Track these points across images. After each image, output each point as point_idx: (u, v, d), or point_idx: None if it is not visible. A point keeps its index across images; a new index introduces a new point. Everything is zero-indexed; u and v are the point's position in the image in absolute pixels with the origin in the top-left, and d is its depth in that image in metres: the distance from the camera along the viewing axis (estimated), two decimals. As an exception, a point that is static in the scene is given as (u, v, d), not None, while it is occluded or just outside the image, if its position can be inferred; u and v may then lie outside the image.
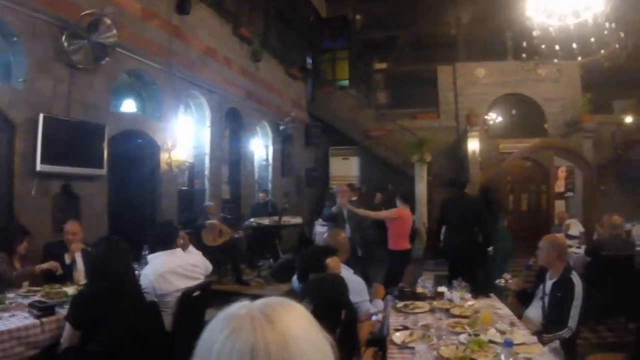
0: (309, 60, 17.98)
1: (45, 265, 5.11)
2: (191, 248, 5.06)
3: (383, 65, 20.04)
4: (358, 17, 18.70)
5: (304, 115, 16.21)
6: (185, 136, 9.49)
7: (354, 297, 3.89)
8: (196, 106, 10.40)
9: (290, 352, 0.97)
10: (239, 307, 1.05)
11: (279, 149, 14.25)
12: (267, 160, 13.91)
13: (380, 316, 3.83)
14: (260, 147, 13.66)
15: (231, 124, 11.77)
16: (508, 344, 2.59)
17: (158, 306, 4.05)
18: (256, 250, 10.86)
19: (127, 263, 3.82)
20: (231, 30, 11.39)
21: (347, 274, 4.21)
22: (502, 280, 5.00)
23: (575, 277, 4.16)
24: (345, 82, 19.35)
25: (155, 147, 8.74)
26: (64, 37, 6.54)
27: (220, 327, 1.02)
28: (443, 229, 8.14)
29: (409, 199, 8.37)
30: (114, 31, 7.04)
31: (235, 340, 0.97)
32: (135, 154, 8.53)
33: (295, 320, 1.04)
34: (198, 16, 9.90)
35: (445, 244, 8.04)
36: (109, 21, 6.95)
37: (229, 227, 9.42)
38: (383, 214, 8.11)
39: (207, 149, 10.51)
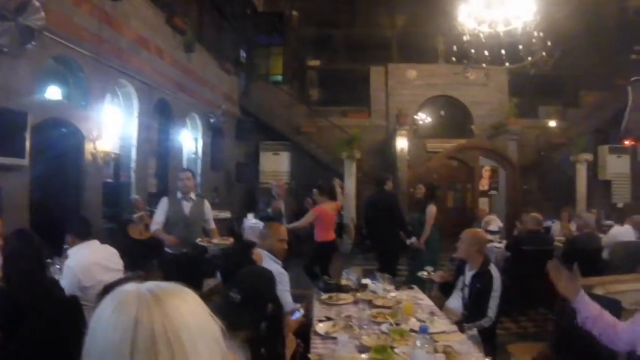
0: (243, 54, 17.83)
1: None
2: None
3: (317, 63, 20.13)
4: (294, 13, 18.72)
5: (235, 109, 16.05)
6: (112, 126, 9.21)
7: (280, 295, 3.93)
8: (124, 96, 10.07)
9: (177, 335, 0.98)
10: (128, 286, 1.06)
11: (209, 142, 14.01)
12: (196, 153, 13.70)
13: (302, 312, 3.87)
14: (189, 140, 13.42)
15: (160, 116, 11.49)
16: (423, 330, 2.68)
17: (78, 300, 3.95)
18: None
19: (39, 257, 3.69)
20: (164, 20, 11.06)
21: (273, 267, 4.21)
22: (425, 273, 5.16)
23: (494, 269, 4.36)
24: (279, 78, 19.32)
25: (80, 137, 8.42)
26: (-13, 19, 6.27)
27: (108, 302, 1.03)
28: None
29: (327, 192, 8.57)
30: (42, 14, 6.75)
31: (119, 314, 0.98)
32: (59, 143, 8.18)
33: (184, 304, 1.05)
34: (131, 4, 9.58)
35: (370, 238, 8.35)
36: (37, 3, 6.65)
37: (155, 222, 9.24)
38: (304, 222, 8.18)
39: (134, 140, 10.23)
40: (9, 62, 6.68)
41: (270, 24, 18.74)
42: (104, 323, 0.99)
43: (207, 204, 6.65)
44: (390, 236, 7.90)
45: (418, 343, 2.53)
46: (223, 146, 14.60)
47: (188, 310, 1.04)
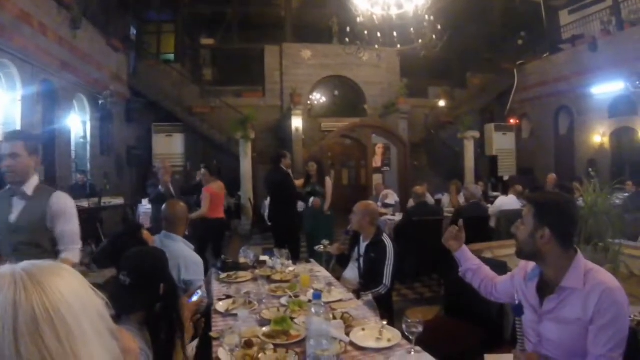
0: (133, 32, 17.22)
1: None
2: None
3: (210, 42, 19.77)
4: (187, -12, 18.25)
5: (125, 89, 15.48)
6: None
7: (187, 275, 3.89)
8: (6, 77, 9.50)
9: (59, 313, 0.96)
10: (2, 268, 1.01)
11: (98, 125, 13.39)
12: (85, 137, 13.11)
13: (200, 293, 3.85)
14: (77, 124, 12.82)
15: (45, 98, 10.85)
16: (316, 296, 2.75)
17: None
18: (76, 235, 10.26)
19: None
20: (48, -6, 10.37)
21: (184, 249, 4.14)
22: (321, 247, 5.30)
23: (386, 239, 4.56)
24: (171, 57, 18.85)
25: (-44, 121, 7.91)
26: None
27: None
28: (265, 203, 8.55)
29: (216, 172, 9.07)
30: None
31: None
32: None
33: (62, 281, 1.02)
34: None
35: (269, 215, 8.58)
36: None
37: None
38: (205, 208, 8.23)
39: (18, 125, 9.67)
40: None
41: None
42: None
43: (59, 201, 3.70)
44: (289, 212, 8.09)
45: (313, 310, 2.60)
46: (113, 129, 14.04)
47: (67, 287, 1.01)
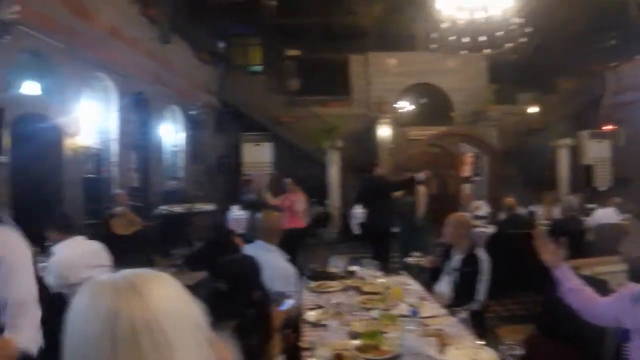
0: (221, 45, 17.70)
1: None
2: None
3: (296, 52, 20.01)
4: (271, 2, 18.55)
5: (214, 100, 15.95)
6: (90, 121, 9.14)
7: (278, 286, 3.83)
8: (102, 89, 9.99)
9: (158, 324, 0.95)
10: (103, 276, 1.02)
11: (190, 135, 13.96)
12: (177, 146, 13.62)
13: (291, 302, 3.84)
14: (170, 133, 13.34)
15: (139, 109, 11.38)
16: (414, 313, 2.67)
17: (64, 297, 3.89)
18: (168, 238, 10.64)
19: None
20: (139, 11, 10.92)
21: (276, 259, 4.13)
22: (413, 258, 5.17)
23: (481, 253, 4.40)
24: (257, 68, 19.29)
25: (58, 132, 8.34)
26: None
27: (84, 294, 0.99)
28: (353, 212, 8.60)
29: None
30: (16, 7, 6.62)
31: (96, 306, 0.95)
32: (38, 139, 8.07)
33: (163, 291, 1.01)
34: (104, -5, 9.48)
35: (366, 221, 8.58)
36: (9, -4, 6.54)
37: (139, 215, 9.20)
38: (274, 201, 8.45)
39: (114, 134, 10.14)
40: (-18, 57, 6.57)
41: (247, 13, 18.55)
42: (82, 317, 0.96)
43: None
44: (385, 219, 8.05)
45: (408, 327, 2.52)
46: (204, 138, 14.53)
47: (168, 297, 1.01)
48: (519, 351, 2.45)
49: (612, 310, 2.51)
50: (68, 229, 4.49)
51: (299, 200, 8.72)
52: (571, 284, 2.74)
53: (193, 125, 13.89)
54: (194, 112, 13.57)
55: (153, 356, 0.93)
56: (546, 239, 2.81)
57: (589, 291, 2.72)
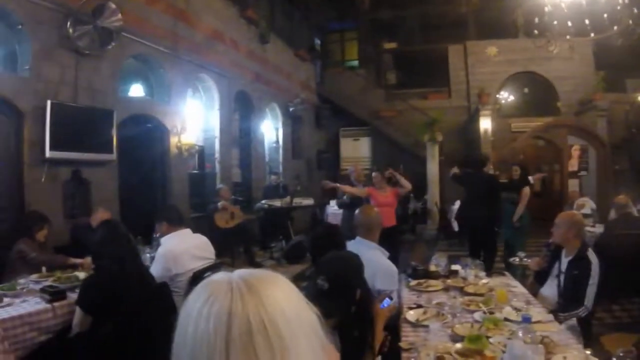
0: (317, 41, 17.86)
1: (78, 260, 5.15)
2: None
3: (392, 45, 19.78)
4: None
5: (313, 96, 16.16)
6: (194, 120, 9.49)
7: (379, 284, 3.80)
8: (205, 89, 10.36)
9: (274, 325, 0.93)
10: (219, 275, 1.02)
11: (289, 131, 14.23)
12: (277, 142, 13.91)
13: (392, 299, 3.78)
14: (270, 130, 13.67)
15: (240, 107, 11.75)
16: (526, 319, 2.54)
17: (168, 287, 4.04)
18: (268, 232, 10.87)
19: (127, 246, 3.80)
20: (237, 13, 11.28)
21: (377, 256, 4.09)
22: (517, 259, 4.97)
23: (592, 255, 4.11)
24: (354, 63, 19.29)
25: (164, 131, 8.73)
26: (68, 23, 6.47)
27: (199, 293, 0.98)
28: (453, 208, 8.33)
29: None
30: (119, 15, 6.95)
31: (212, 305, 0.94)
32: (144, 138, 8.52)
33: (279, 292, 1.00)
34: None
35: (465, 216, 8.31)
36: (113, 5, 6.87)
37: (241, 209, 9.45)
38: (353, 190, 8.12)
39: (216, 132, 10.49)
40: (91, 63, 6.97)
41: (342, 9, 18.63)
42: (195, 316, 0.94)
43: None
44: (492, 218, 7.84)
45: (520, 333, 2.40)
46: (303, 134, 14.77)
47: (284, 298, 0.99)
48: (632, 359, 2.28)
49: None
50: (178, 222, 4.68)
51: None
52: None
53: (292, 121, 14.14)
54: (293, 109, 13.78)
55: (266, 358, 0.91)
56: None
57: None
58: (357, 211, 4.51)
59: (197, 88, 10.15)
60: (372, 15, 18.79)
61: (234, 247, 9.23)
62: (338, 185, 8.40)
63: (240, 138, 12.03)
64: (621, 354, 2.31)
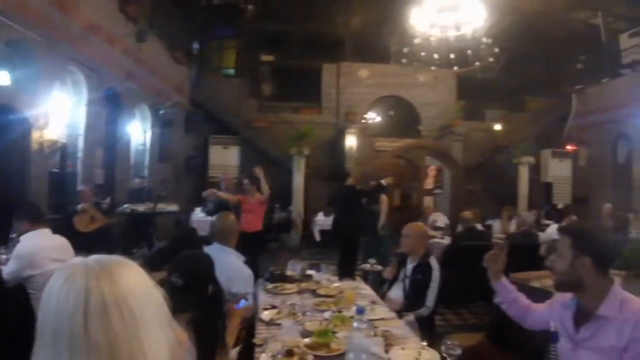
0: (196, 46, 17.68)
1: None
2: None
3: (270, 58, 20.08)
4: (250, 7, 18.57)
5: (185, 101, 15.87)
6: (59, 115, 9.04)
7: (235, 287, 3.90)
8: (73, 83, 9.89)
9: (125, 300, 1.08)
10: (76, 259, 1.16)
11: (158, 134, 13.84)
12: (144, 145, 13.54)
13: (248, 300, 3.95)
14: (138, 131, 13.25)
15: (109, 105, 11.20)
16: (360, 311, 2.81)
17: (25, 290, 3.94)
18: (130, 237, 10.59)
19: None
20: (117, 7, 10.86)
21: (233, 261, 4.20)
22: (368, 265, 5.34)
23: (433, 262, 4.62)
24: (231, 71, 19.30)
25: (27, 125, 8.20)
26: None
27: (57, 276, 1.11)
28: (315, 219, 8.83)
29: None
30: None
31: (70, 284, 1.08)
32: (5, 130, 7.98)
33: (129, 273, 1.16)
34: (84, -12, 9.43)
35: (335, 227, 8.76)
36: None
37: (102, 213, 9.14)
38: (229, 196, 8.53)
39: (81, 129, 10.04)
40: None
41: (225, 16, 18.53)
42: (56, 294, 1.07)
43: None
44: (355, 227, 8.41)
45: (355, 324, 2.66)
46: (172, 138, 14.44)
47: (134, 278, 1.15)
48: (458, 351, 2.61)
49: (545, 315, 2.76)
50: (38, 220, 4.53)
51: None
52: (506, 296, 2.97)
53: (162, 124, 13.78)
54: (164, 111, 13.49)
55: (121, 330, 1.06)
56: (503, 252, 3.00)
57: (522, 301, 2.96)
58: (214, 218, 4.65)
59: (65, 81, 9.67)
60: (254, 26, 18.88)
61: (94, 252, 8.87)
62: (215, 191, 8.63)
63: (106, 138, 11.39)
64: (448, 342, 2.64)
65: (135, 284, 1.14)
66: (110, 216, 9.49)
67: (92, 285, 1.07)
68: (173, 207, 11.26)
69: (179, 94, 15.11)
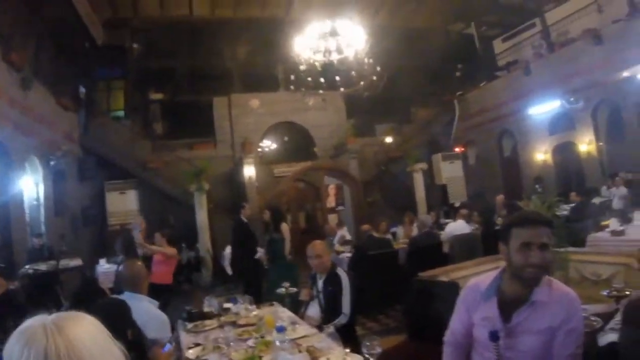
0: (83, 90, 17.19)
1: None
2: None
3: (160, 95, 19.96)
4: (135, 45, 18.35)
5: (76, 148, 15.31)
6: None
7: (153, 333, 3.81)
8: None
9: (78, 355, 1.18)
10: (34, 320, 1.25)
11: (51, 186, 13.16)
12: (38, 199, 12.94)
13: (172, 344, 3.95)
14: (30, 186, 12.66)
15: (-3, 161, 10.68)
16: (280, 329, 2.94)
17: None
18: (36, 299, 10.08)
19: None
20: (0, 56, 10.38)
21: (147, 307, 4.10)
22: (283, 289, 5.48)
23: (340, 271, 4.90)
24: (121, 113, 18.98)
25: None
26: None
27: (17, 338, 1.21)
28: (224, 253, 9.00)
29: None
30: None
31: (30, 347, 1.17)
32: None
33: (83, 328, 1.26)
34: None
35: (231, 263, 8.96)
36: None
37: (2, 277, 8.69)
38: (168, 250, 8.32)
39: (-32, 191, 9.52)
40: None
41: (111, 56, 18.19)
42: (17, 357, 1.16)
43: None
44: (249, 259, 8.62)
45: (277, 342, 2.79)
46: (66, 189, 13.87)
47: (89, 336, 1.25)
48: (378, 349, 2.78)
49: (467, 321, 2.69)
50: None
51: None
52: None
53: (54, 175, 13.22)
54: (55, 162, 12.97)
55: None
56: None
57: (464, 345, 2.79)
58: (120, 267, 4.58)
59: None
60: (140, 64, 18.72)
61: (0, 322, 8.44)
62: (146, 245, 8.46)
63: (-3, 197, 10.90)
64: (368, 344, 2.80)
65: (90, 341, 1.24)
66: (11, 280, 9.04)
67: (50, 349, 1.16)
68: (77, 262, 10.82)
69: (69, 141, 14.58)
